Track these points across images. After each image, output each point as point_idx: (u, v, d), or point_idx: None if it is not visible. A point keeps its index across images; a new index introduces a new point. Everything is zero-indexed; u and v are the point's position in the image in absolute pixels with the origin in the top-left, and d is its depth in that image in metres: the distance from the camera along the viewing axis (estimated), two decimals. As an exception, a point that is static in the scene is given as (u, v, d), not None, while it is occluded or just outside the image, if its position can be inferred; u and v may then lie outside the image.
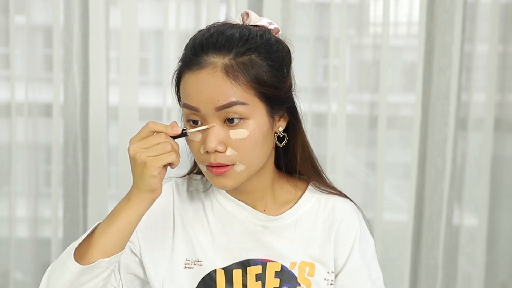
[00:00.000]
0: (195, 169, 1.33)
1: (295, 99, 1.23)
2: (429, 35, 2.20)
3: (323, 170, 1.31)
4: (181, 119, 1.20)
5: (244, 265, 1.23)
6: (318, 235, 1.26)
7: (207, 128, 1.14)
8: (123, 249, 1.16)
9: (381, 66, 2.19)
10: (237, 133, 1.13)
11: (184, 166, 1.32)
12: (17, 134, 2.18)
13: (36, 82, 2.19)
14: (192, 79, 1.14)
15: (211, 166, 1.15)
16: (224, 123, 1.14)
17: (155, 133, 1.12)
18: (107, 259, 1.13)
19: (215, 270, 1.22)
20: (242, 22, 1.21)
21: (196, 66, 1.13)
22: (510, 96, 2.26)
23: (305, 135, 1.26)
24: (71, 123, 2.17)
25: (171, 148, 1.11)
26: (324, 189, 1.30)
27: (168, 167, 1.14)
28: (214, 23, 1.20)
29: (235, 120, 1.13)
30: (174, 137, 1.13)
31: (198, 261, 1.24)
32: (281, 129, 1.21)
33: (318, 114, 2.23)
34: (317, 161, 1.29)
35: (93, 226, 1.17)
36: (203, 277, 1.22)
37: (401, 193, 2.33)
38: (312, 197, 1.29)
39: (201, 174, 1.32)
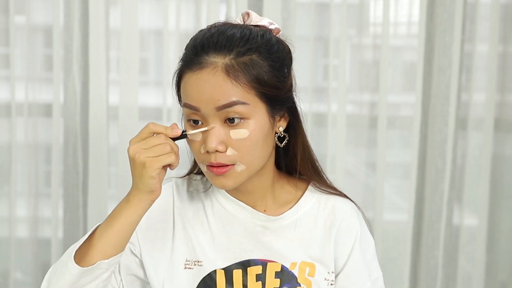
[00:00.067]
0: (195, 169, 1.33)
1: (296, 99, 1.23)
2: (429, 35, 2.20)
3: (323, 170, 1.31)
4: (182, 118, 1.21)
5: (244, 265, 1.23)
6: (318, 235, 1.26)
7: (207, 130, 1.14)
8: (123, 250, 1.16)
9: (381, 66, 2.19)
10: (238, 133, 1.13)
11: (184, 167, 1.33)
12: (17, 134, 2.18)
13: (36, 82, 2.19)
14: (193, 79, 1.14)
15: (211, 166, 1.15)
16: (224, 123, 1.14)
17: (155, 134, 1.12)
18: (107, 261, 1.13)
19: (215, 270, 1.22)
20: (243, 22, 1.21)
21: (197, 66, 1.13)
22: (510, 96, 2.26)
23: (305, 135, 1.26)
24: (71, 123, 2.17)
25: (171, 150, 1.11)
26: (324, 189, 1.30)
27: (168, 168, 1.14)
28: (215, 23, 1.20)
29: (236, 120, 1.13)
30: (174, 139, 1.13)
31: (198, 261, 1.24)
32: (281, 129, 1.21)
33: (318, 114, 2.23)
34: (317, 161, 1.29)
35: (93, 228, 1.17)
36: (203, 277, 1.22)
37: (401, 193, 2.33)
38: (312, 197, 1.29)
39: (201, 174, 1.32)
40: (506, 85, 2.26)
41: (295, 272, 1.23)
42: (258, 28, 1.19)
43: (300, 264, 1.24)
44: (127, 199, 1.14)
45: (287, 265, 1.24)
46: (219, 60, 1.12)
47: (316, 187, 1.30)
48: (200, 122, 1.15)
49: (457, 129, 2.21)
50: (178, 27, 2.16)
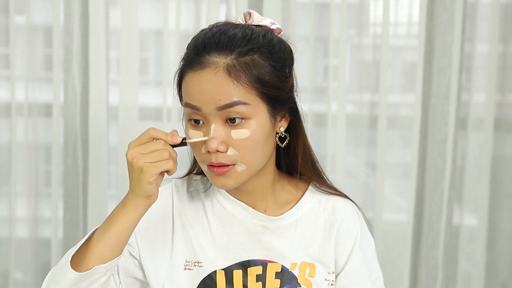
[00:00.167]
0: (194, 169, 1.33)
1: (297, 100, 1.23)
2: (429, 35, 2.20)
3: (323, 170, 1.31)
4: (183, 118, 1.21)
5: (245, 265, 1.23)
6: (319, 236, 1.26)
7: (206, 139, 1.14)
8: (121, 253, 1.16)
9: (381, 66, 2.20)
10: (239, 133, 1.13)
11: (183, 167, 1.33)
12: (17, 134, 2.18)
13: (36, 82, 2.19)
14: (194, 79, 1.14)
15: (212, 165, 1.15)
16: (225, 123, 1.14)
17: (154, 140, 1.12)
18: (104, 265, 1.13)
19: (215, 271, 1.22)
20: (244, 22, 1.21)
21: (198, 66, 1.13)
22: (510, 96, 2.26)
23: (306, 136, 1.26)
24: (71, 123, 2.17)
25: (169, 156, 1.11)
26: (325, 189, 1.30)
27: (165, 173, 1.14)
28: (216, 23, 1.20)
29: (237, 120, 1.13)
30: (173, 146, 1.13)
31: (198, 262, 1.23)
32: (282, 129, 1.21)
33: (318, 114, 2.23)
34: (317, 161, 1.29)
35: (91, 231, 1.17)
36: (203, 278, 1.22)
37: (401, 193, 2.33)
38: (312, 197, 1.29)
39: (201, 174, 1.32)
40: (506, 85, 2.26)
41: (295, 272, 1.23)
42: (259, 28, 1.19)
43: (300, 265, 1.24)
44: (123, 203, 1.14)
45: (287, 266, 1.23)
46: (221, 60, 1.12)
47: (317, 187, 1.30)
48: (201, 122, 1.15)
49: (457, 129, 2.21)
50: (178, 27, 2.16)
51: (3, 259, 2.25)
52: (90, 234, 1.16)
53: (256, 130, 1.14)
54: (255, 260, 1.23)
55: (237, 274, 1.22)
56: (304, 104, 1.26)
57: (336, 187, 1.32)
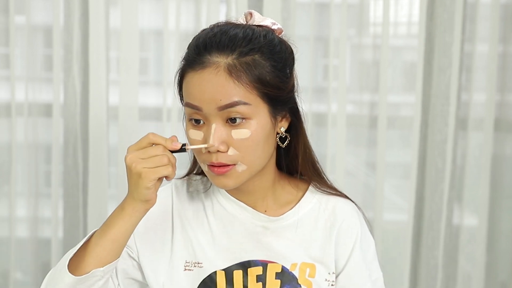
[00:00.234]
0: (194, 169, 1.33)
1: (298, 100, 1.23)
2: (429, 35, 2.20)
3: (324, 170, 1.31)
4: (183, 118, 1.21)
5: (245, 266, 1.23)
6: (319, 236, 1.26)
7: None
8: (119, 256, 1.16)
9: (381, 66, 2.20)
10: (239, 133, 1.13)
11: (183, 166, 1.33)
12: (17, 134, 2.18)
13: (36, 82, 2.19)
14: (195, 79, 1.14)
15: (212, 165, 1.15)
16: (226, 122, 1.14)
17: (154, 145, 1.12)
18: (102, 268, 1.13)
19: (215, 271, 1.22)
20: (245, 22, 1.21)
21: (199, 66, 1.13)
22: (510, 96, 2.26)
23: (306, 136, 1.26)
24: (71, 123, 2.17)
25: (168, 161, 1.11)
26: (325, 189, 1.30)
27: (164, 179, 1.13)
28: (217, 23, 1.20)
29: (238, 120, 1.13)
30: (172, 151, 1.13)
31: (198, 263, 1.23)
32: (283, 129, 1.21)
33: (318, 114, 2.23)
34: (318, 162, 1.29)
35: (89, 234, 1.17)
36: (204, 279, 1.22)
37: (401, 193, 2.33)
38: (313, 197, 1.29)
39: (201, 175, 1.32)
40: (506, 85, 2.26)
41: (296, 273, 1.23)
42: (260, 28, 1.19)
43: (301, 265, 1.24)
44: (121, 207, 1.14)
45: (288, 266, 1.23)
46: (222, 60, 1.12)
47: (317, 187, 1.30)
48: (201, 122, 1.15)
49: (457, 129, 2.21)
50: (178, 27, 2.16)
51: (3, 259, 2.25)
52: (89, 237, 1.16)
53: (257, 130, 1.14)
54: (255, 260, 1.23)
55: (237, 275, 1.22)
56: (304, 104, 1.26)
57: (336, 187, 1.32)
